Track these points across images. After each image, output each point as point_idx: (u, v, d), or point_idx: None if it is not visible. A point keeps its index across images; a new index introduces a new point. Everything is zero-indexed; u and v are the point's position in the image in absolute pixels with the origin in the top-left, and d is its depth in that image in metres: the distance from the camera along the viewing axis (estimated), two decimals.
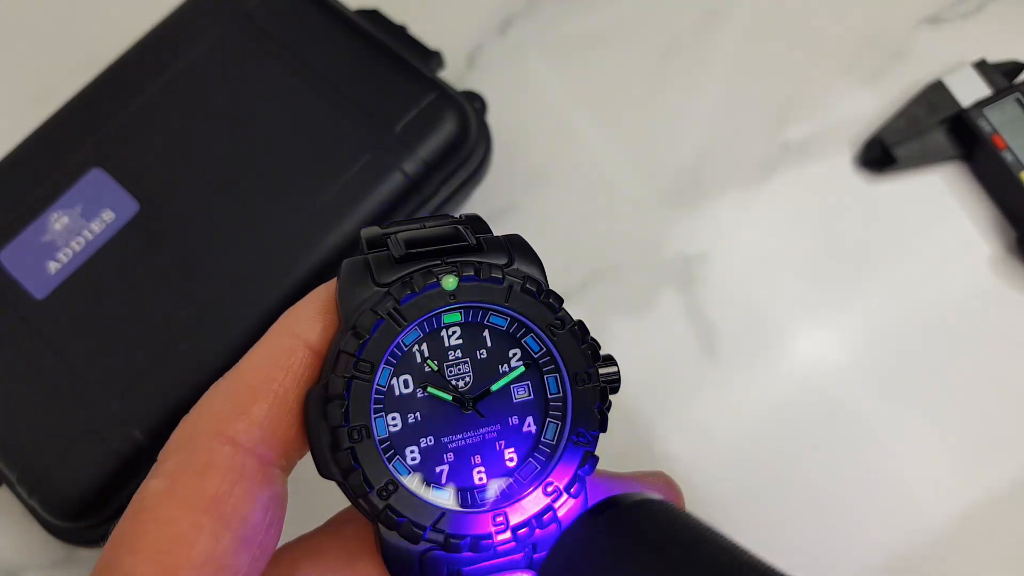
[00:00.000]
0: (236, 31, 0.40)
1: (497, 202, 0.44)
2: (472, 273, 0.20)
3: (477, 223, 0.23)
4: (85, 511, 0.34)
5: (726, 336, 0.41)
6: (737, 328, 0.41)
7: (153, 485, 0.18)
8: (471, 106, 0.40)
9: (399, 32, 0.42)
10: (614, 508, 0.19)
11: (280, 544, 0.20)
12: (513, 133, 0.44)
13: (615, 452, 0.24)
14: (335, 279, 0.21)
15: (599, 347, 0.21)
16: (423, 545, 0.19)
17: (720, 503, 0.38)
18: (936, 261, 0.42)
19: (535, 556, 0.20)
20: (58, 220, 0.37)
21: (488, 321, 0.21)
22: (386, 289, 0.20)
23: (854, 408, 0.40)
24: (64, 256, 0.37)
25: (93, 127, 0.39)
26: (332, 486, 0.20)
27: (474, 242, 0.21)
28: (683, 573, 0.16)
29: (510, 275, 0.21)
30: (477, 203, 0.43)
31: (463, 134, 0.39)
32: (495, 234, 0.22)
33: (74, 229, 0.37)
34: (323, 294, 0.21)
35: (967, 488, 0.38)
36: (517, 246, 0.22)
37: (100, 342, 0.35)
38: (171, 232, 0.37)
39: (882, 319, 0.41)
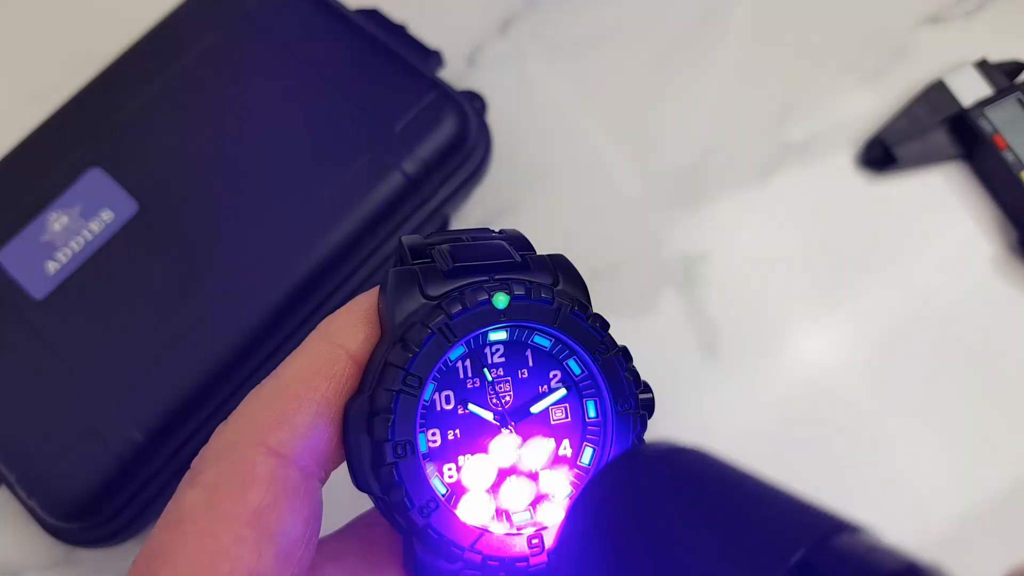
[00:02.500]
0: (236, 31, 0.40)
1: (497, 202, 0.43)
2: (523, 293, 0.20)
3: (521, 242, 0.22)
4: (84, 512, 0.34)
5: (727, 336, 0.41)
6: (738, 328, 0.41)
7: (191, 496, 0.18)
8: (471, 106, 0.40)
9: (399, 31, 0.42)
10: (639, 462, 0.18)
11: None
12: (513, 133, 0.44)
13: None
14: (376, 288, 0.20)
15: (639, 375, 0.21)
16: (458, 564, 0.19)
17: None
18: (937, 261, 0.42)
19: None
20: (57, 220, 0.37)
21: (532, 341, 0.21)
22: (436, 303, 0.20)
23: (855, 408, 0.40)
24: (63, 256, 0.37)
25: (92, 127, 0.39)
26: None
27: (519, 260, 0.21)
28: (732, 525, 0.15)
29: (559, 296, 0.21)
30: (477, 203, 0.43)
31: (463, 134, 0.39)
32: (538, 253, 0.22)
33: (73, 229, 0.37)
34: (364, 303, 0.21)
35: (968, 488, 0.38)
36: (562, 266, 0.22)
37: (99, 342, 0.35)
38: (170, 232, 0.37)
39: (883, 319, 0.41)
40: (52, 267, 0.37)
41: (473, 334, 0.20)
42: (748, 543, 0.15)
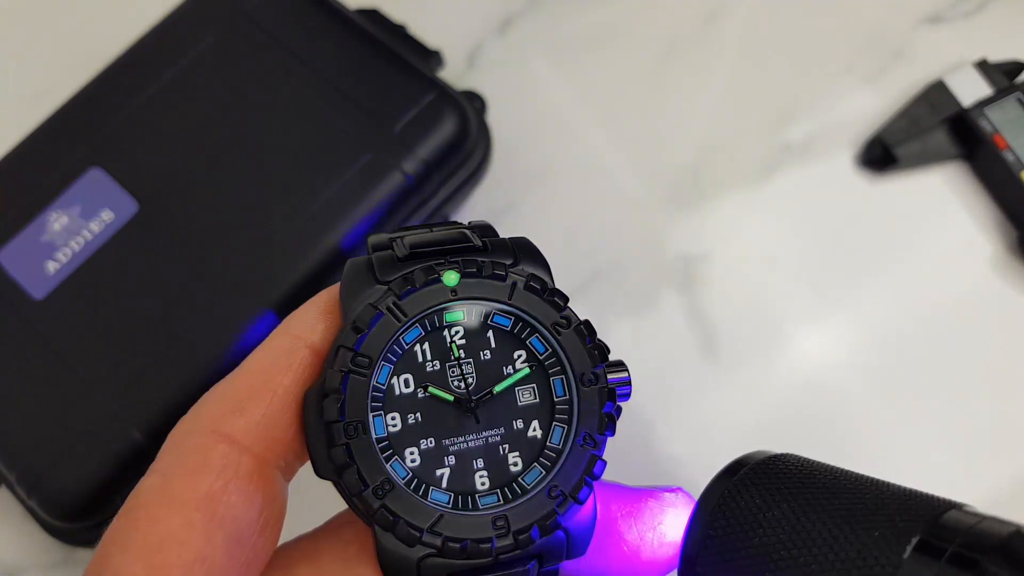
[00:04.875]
0: (236, 31, 0.40)
1: (497, 202, 0.43)
2: (474, 270, 0.20)
3: (485, 229, 0.22)
4: (84, 512, 0.34)
5: (727, 336, 0.41)
6: (738, 328, 0.41)
7: (146, 483, 0.18)
8: (471, 106, 0.40)
9: (399, 31, 0.42)
10: (747, 467, 0.21)
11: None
12: (513, 133, 0.44)
13: (614, 454, 0.24)
14: (339, 283, 0.20)
15: (608, 350, 0.21)
16: (421, 550, 0.19)
17: None
18: (937, 261, 0.42)
19: (542, 570, 0.20)
20: (57, 220, 0.37)
21: (492, 321, 0.21)
22: (387, 286, 0.20)
23: (855, 408, 0.39)
24: (63, 256, 0.37)
25: (92, 126, 0.39)
26: (332, 490, 0.19)
27: (479, 244, 0.21)
28: (836, 513, 0.18)
29: (513, 273, 0.20)
30: (477, 203, 0.43)
31: (463, 134, 0.39)
32: (502, 237, 0.22)
33: (73, 229, 0.37)
34: (326, 296, 0.21)
35: (968, 488, 0.38)
36: (523, 248, 0.22)
37: (99, 342, 0.35)
38: (170, 232, 0.37)
39: (883, 319, 0.41)
40: (52, 267, 0.37)
41: (425, 313, 0.20)
42: (865, 534, 0.17)
